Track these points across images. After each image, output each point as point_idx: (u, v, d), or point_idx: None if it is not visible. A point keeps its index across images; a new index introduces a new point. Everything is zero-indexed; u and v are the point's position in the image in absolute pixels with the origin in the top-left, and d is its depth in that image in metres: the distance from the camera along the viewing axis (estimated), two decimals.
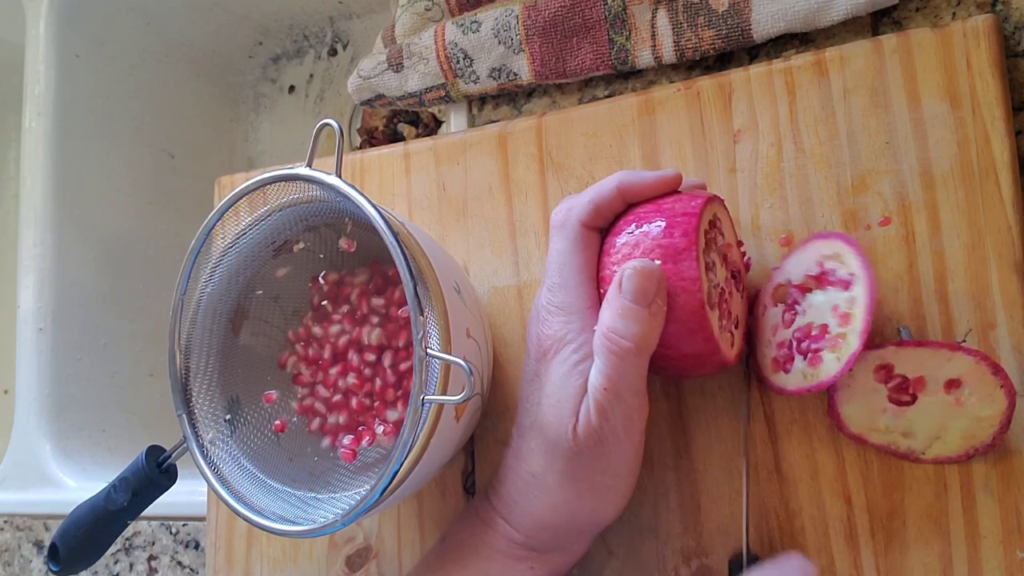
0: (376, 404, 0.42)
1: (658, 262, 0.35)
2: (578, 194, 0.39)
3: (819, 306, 0.37)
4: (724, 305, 0.37)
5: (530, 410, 0.38)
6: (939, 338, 0.38)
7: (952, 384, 0.36)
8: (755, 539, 0.40)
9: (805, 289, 0.38)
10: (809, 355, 0.37)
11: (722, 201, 0.39)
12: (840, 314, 0.36)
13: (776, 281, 0.39)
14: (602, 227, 0.38)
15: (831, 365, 0.36)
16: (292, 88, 0.95)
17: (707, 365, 0.37)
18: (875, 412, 0.37)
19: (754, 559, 0.40)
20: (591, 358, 0.36)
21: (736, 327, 0.38)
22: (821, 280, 0.37)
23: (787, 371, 0.37)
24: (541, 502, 0.38)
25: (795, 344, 0.37)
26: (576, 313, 0.37)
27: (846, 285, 0.36)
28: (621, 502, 0.39)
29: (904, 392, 0.36)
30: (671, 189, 0.38)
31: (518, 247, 0.47)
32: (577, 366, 0.36)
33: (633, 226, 0.37)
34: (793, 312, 0.38)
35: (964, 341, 0.37)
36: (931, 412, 0.36)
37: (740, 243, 0.41)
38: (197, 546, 0.61)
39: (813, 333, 0.37)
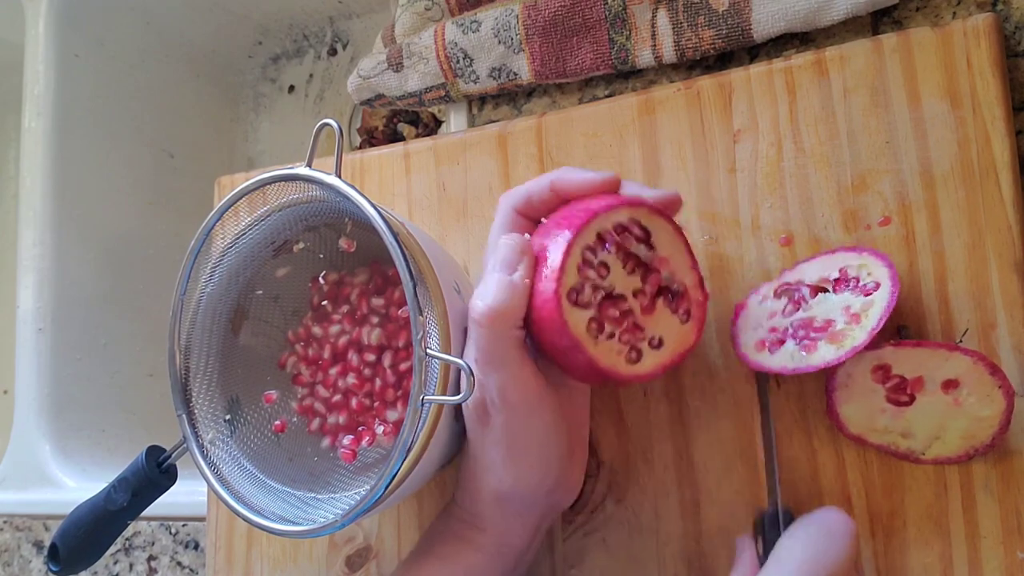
0: (376, 404, 0.42)
1: (527, 236, 0.36)
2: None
3: (830, 305, 0.37)
4: (612, 311, 0.35)
5: None
6: (939, 338, 0.38)
7: (950, 384, 0.36)
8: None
9: (817, 289, 0.38)
10: (805, 341, 0.37)
11: (668, 217, 0.37)
12: (851, 314, 0.36)
13: (785, 279, 0.39)
14: (536, 218, 0.39)
15: (827, 353, 0.36)
16: (292, 88, 0.95)
17: (579, 368, 0.35)
18: (874, 412, 0.37)
19: (788, 513, 0.38)
20: None
21: (656, 346, 0.36)
22: (837, 284, 0.37)
23: (772, 352, 0.38)
24: (468, 477, 0.40)
25: (791, 331, 0.37)
26: None
27: (867, 292, 0.36)
28: (536, 478, 0.38)
29: (902, 392, 0.36)
30: (604, 190, 0.37)
31: None
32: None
33: (547, 220, 0.38)
34: (797, 307, 0.38)
35: (961, 341, 0.37)
36: (930, 412, 0.36)
37: (695, 265, 0.38)
38: (197, 546, 0.61)
39: (816, 325, 0.37)
